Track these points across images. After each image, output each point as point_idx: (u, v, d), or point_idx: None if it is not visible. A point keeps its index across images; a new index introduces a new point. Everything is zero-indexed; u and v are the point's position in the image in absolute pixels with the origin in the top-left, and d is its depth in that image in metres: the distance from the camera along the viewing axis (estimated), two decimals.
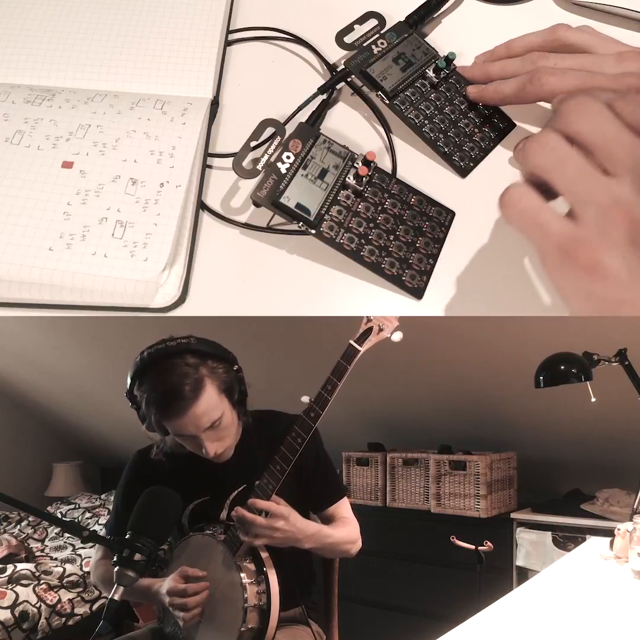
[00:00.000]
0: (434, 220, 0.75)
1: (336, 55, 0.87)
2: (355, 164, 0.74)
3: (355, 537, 1.01)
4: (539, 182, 0.58)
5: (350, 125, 0.83)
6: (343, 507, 1.03)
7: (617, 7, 0.91)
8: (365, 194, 0.74)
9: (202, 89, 0.83)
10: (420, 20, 0.87)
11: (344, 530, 1.00)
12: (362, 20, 0.86)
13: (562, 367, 1.18)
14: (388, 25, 0.85)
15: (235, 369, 0.94)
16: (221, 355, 0.93)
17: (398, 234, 0.73)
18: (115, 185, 0.72)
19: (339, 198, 0.73)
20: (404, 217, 0.74)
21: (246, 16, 0.92)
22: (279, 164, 0.72)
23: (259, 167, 0.72)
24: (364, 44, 0.83)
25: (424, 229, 0.74)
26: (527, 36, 0.82)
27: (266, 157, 0.73)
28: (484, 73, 0.82)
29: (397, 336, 0.91)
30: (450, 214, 0.76)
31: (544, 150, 0.57)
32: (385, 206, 0.74)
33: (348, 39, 0.84)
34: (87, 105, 0.78)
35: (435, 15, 0.91)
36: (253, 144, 0.76)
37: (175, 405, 0.88)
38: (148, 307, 0.69)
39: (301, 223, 0.71)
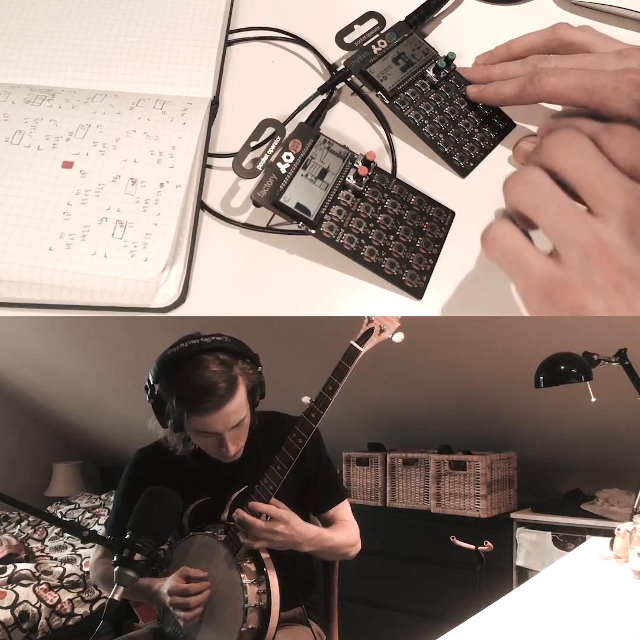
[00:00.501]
0: (433, 220, 0.75)
1: (336, 55, 0.87)
2: (355, 164, 0.74)
3: (354, 540, 1.01)
4: (522, 219, 0.56)
5: (350, 125, 0.83)
6: (343, 510, 1.03)
7: (617, 7, 0.91)
8: (365, 194, 0.74)
9: (202, 89, 0.83)
10: (420, 20, 0.87)
11: (344, 533, 1.00)
12: (362, 20, 0.86)
13: (562, 367, 1.18)
14: (388, 25, 0.85)
15: (259, 370, 0.94)
16: (249, 355, 0.93)
17: (398, 234, 0.73)
18: (115, 185, 0.72)
19: (338, 198, 0.73)
20: (404, 217, 0.74)
21: (246, 16, 0.92)
22: (279, 164, 0.72)
23: (259, 167, 0.72)
24: (364, 44, 0.83)
25: (423, 229, 0.74)
26: (527, 36, 0.82)
27: (266, 157, 0.73)
28: (485, 76, 0.82)
29: (398, 337, 0.91)
30: (450, 214, 0.76)
31: (528, 187, 0.55)
32: (385, 206, 0.74)
33: (348, 39, 0.84)
34: (87, 105, 0.78)
35: (435, 15, 0.91)
36: (253, 144, 0.76)
37: (210, 402, 0.87)
38: (148, 307, 0.69)
39: (301, 223, 0.71)
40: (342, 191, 0.73)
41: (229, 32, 0.90)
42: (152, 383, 0.92)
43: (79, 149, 0.74)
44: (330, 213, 0.72)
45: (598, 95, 0.71)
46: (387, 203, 0.74)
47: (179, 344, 0.91)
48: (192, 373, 0.88)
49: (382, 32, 0.84)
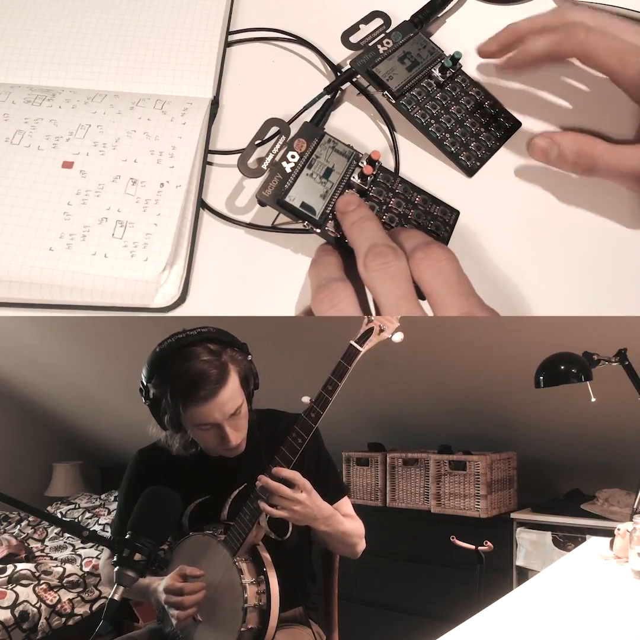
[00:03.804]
0: (438, 220, 0.75)
1: (336, 54, 0.87)
2: (360, 164, 0.74)
3: (362, 532, 1.01)
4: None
5: (354, 124, 0.83)
6: (345, 506, 1.03)
7: (617, 7, 0.91)
8: (370, 193, 0.74)
9: (202, 89, 0.83)
10: (425, 19, 0.87)
11: (353, 523, 1.00)
12: (367, 19, 0.86)
13: (562, 367, 1.18)
14: (393, 25, 0.85)
15: (249, 359, 0.95)
16: (237, 344, 0.94)
17: None
18: (115, 185, 0.72)
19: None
20: (409, 217, 0.74)
21: (246, 17, 0.93)
22: (284, 163, 0.72)
23: (264, 166, 0.72)
24: (370, 44, 0.83)
25: (428, 228, 0.74)
26: (533, 18, 0.80)
27: (271, 156, 0.73)
28: (511, 32, 0.80)
29: (398, 337, 0.91)
30: (455, 213, 0.76)
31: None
32: (389, 205, 0.74)
33: (353, 38, 0.84)
34: (87, 105, 0.78)
35: (439, 15, 0.91)
36: (257, 142, 0.76)
37: (203, 390, 0.87)
38: (148, 307, 0.69)
39: (306, 222, 0.71)
40: (346, 190, 0.73)
41: (229, 33, 0.90)
42: (145, 384, 0.92)
43: (79, 149, 0.74)
44: (335, 212, 0.72)
45: (632, 69, 0.70)
46: (391, 202, 0.74)
47: (167, 341, 0.91)
48: (182, 365, 0.88)
49: (387, 31, 0.84)
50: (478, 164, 0.80)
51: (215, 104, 0.83)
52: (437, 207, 0.76)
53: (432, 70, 0.83)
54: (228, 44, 0.89)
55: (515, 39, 0.81)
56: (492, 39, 0.82)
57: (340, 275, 0.66)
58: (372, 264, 0.62)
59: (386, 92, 0.80)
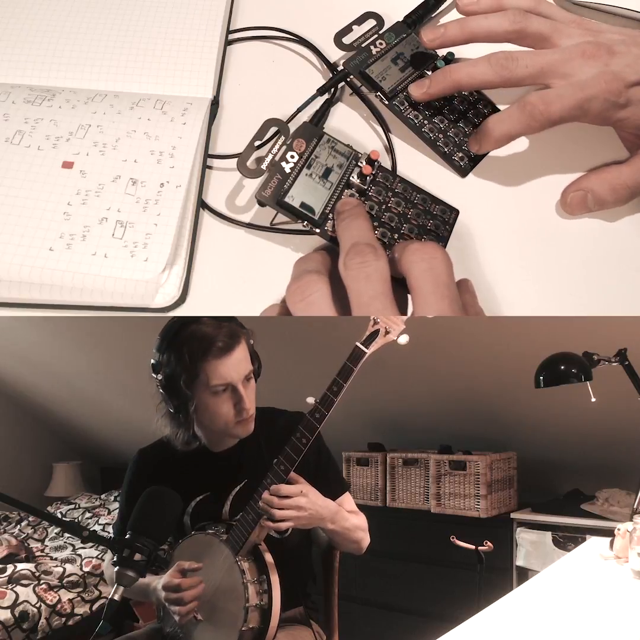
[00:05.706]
0: (438, 219, 0.75)
1: (336, 54, 0.87)
2: (359, 163, 0.74)
3: (366, 526, 1.02)
4: None
5: (352, 125, 0.83)
6: (347, 502, 1.03)
7: (617, 7, 0.91)
8: (370, 193, 0.74)
9: (202, 89, 0.83)
10: (418, 20, 0.87)
11: (358, 518, 1.00)
12: (360, 20, 0.86)
13: (562, 367, 1.18)
14: (386, 26, 0.85)
15: (251, 343, 0.96)
16: (244, 327, 0.95)
17: (402, 232, 0.73)
18: (115, 185, 0.72)
19: (343, 197, 0.73)
20: (408, 216, 0.74)
21: (246, 16, 0.93)
22: (283, 164, 0.72)
23: (264, 166, 0.72)
24: (363, 45, 0.83)
25: (428, 228, 0.74)
26: (486, 23, 0.78)
27: (270, 156, 0.73)
28: (452, 84, 0.77)
29: (403, 339, 0.90)
30: (455, 212, 0.76)
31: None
32: (389, 205, 0.74)
33: (347, 39, 0.84)
34: (87, 105, 0.78)
35: (433, 15, 0.91)
36: (256, 143, 0.76)
37: (219, 342, 0.89)
38: (148, 307, 0.69)
39: (305, 222, 0.71)
40: (346, 190, 0.73)
41: (229, 32, 0.90)
42: (158, 356, 0.92)
43: (79, 149, 0.74)
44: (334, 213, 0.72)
45: (594, 110, 0.72)
46: (391, 202, 0.74)
47: (174, 318, 0.92)
48: (197, 328, 0.90)
49: (380, 32, 0.84)
50: (471, 164, 0.80)
51: (215, 104, 0.83)
52: (437, 206, 0.76)
53: (426, 71, 0.83)
54: (228, 43, 0.89)
55: (456, 91, 0.80)
56: (433, 86, 0.78)
57: (317, 268, 0.65)
58: (351, 263, 0.62)
59: (379, 93, 0.80)
